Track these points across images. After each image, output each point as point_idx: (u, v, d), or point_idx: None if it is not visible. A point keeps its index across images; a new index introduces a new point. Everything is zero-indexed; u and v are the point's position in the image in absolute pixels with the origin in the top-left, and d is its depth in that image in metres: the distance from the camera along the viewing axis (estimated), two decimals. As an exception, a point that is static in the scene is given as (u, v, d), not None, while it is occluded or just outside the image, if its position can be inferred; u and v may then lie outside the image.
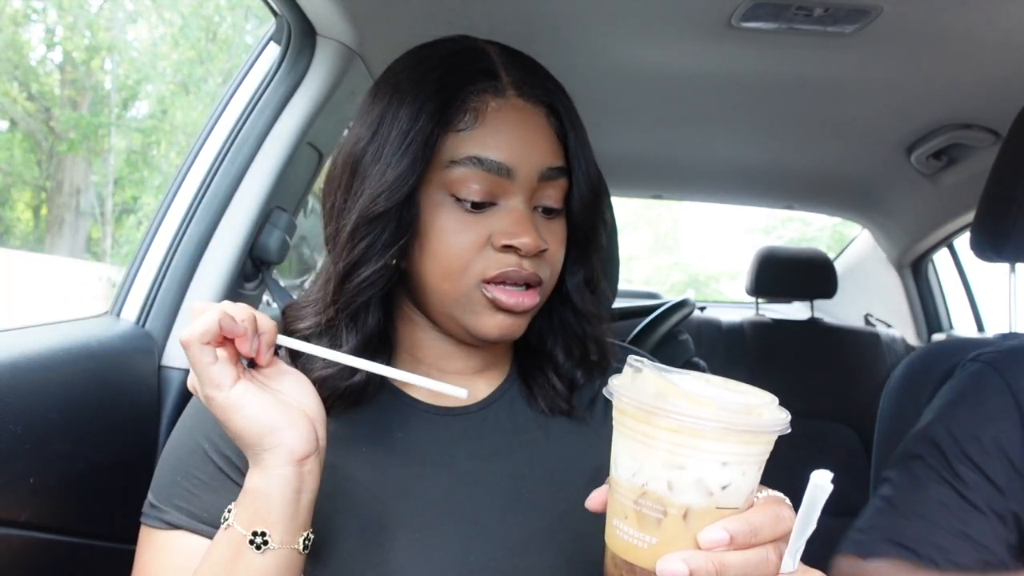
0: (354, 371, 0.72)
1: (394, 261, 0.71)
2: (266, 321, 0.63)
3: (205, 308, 0.60)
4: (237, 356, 0.62)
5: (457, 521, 0.73)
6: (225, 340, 0.60)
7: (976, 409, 0.95)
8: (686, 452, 0.50)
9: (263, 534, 0.60)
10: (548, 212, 0.74)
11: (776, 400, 0.54)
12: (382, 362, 0.73)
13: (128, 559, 0.72)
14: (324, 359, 0.68)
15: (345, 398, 0.73)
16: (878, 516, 0.95)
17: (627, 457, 0.53)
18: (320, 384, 0.68)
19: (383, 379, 0.76)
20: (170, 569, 0.68)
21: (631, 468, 0.53)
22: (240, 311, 0.61)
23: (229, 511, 0.62)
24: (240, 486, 0.70)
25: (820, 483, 0.49)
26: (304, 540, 0.62)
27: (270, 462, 0.60)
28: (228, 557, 0.60)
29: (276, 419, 0.60)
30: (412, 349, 0.79)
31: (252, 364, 0.64)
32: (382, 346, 0.75)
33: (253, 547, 0.60)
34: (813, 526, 0.51)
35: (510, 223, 0.70)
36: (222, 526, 0.62)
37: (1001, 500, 0.89)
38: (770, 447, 0.53)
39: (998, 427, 0.92)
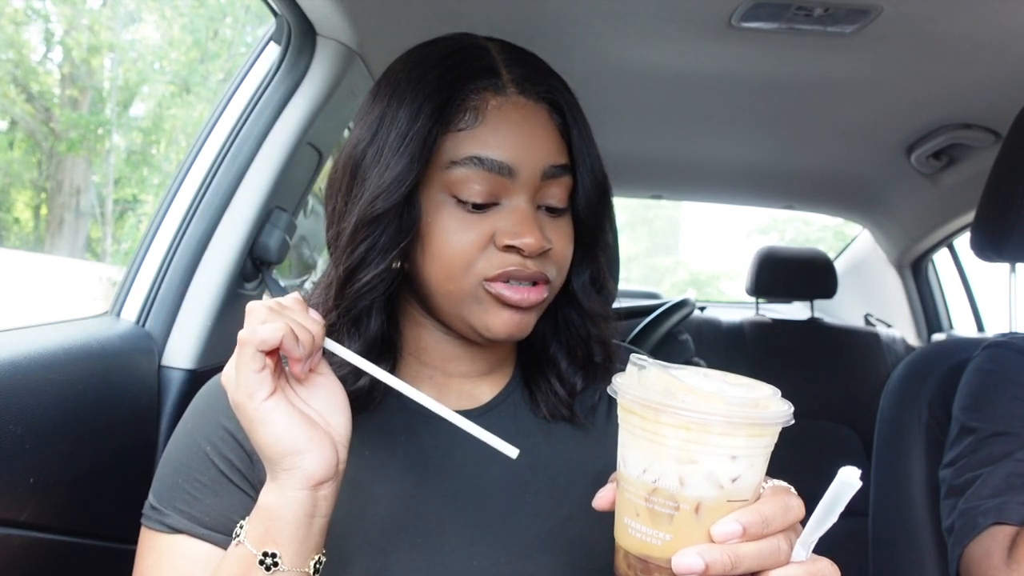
0: (360, 376, 0.71)
1: (396, 264, 0.70)
2: (316, 339, 0.61)
3: (258, 311, 0.59)
4: (280, 365, 0.61)
5: (460, 525, 0.72)
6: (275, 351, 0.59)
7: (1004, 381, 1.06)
8: (696, 448, 0.50)
9: (273, 555, 0.59)
10: (553, 211, 0.73)
11: (778, 391, 0.54)
12: (386, 366, 0.72)
13: (128, 559, 0.71)
14: (337, 362, 0.67)
15: (352, 403, 0.72)
16: (998, 483, 1.00)
17: (636, 454, 0.53)
18: None
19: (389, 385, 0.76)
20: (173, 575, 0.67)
21: (640, 465, 0.53)
22: (305, 333, 0.59)
23: (241, 526, 0.61)
24: (241, 490, 0.69)
25: (848, 480, 0.49)
26: (315, 563, 0.61)
27: (286, 483, 0.59)
28: (238, 575, 0.60)
29: (299, 442, 0.58)
30: (418, 352, 0.78)
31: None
32: (387, 350, 0.74)
33: (263, 567, 0.59)
34: (833, 520, 0.50)
35: (513, 223, 0.69)
36: (233, 541, 0.61)
37: None
38: (775, 438, 0.53)
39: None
